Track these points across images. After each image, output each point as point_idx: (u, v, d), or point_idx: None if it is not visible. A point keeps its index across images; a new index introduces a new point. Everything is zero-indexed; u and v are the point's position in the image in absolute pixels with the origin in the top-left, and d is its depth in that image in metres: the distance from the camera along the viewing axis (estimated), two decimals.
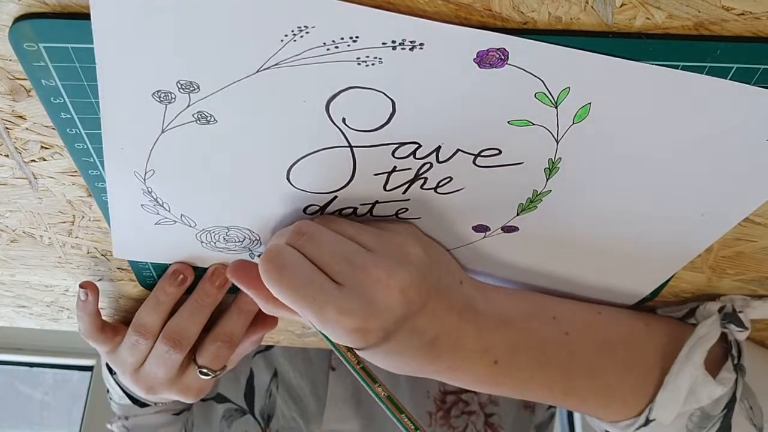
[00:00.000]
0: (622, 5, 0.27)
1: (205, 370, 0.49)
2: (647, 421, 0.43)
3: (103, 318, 0.49)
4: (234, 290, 0.49)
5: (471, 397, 0.64)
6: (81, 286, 0.46)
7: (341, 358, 0.38)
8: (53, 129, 0.34)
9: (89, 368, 1.47)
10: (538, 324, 0.42)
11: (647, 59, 0.29)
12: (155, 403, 0.59)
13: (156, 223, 0.41)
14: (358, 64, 0.29)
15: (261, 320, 0.51)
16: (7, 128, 0.34)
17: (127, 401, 0.58)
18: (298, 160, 0.35)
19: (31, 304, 0.53)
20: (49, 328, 0.57)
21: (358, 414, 0.61)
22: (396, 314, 0.36)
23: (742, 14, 0.27)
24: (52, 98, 0.32)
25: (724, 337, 0.44)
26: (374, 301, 0.35)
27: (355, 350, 0.38)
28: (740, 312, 0.44)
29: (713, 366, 0.43)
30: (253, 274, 0.39)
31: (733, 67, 0.29)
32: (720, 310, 0.44)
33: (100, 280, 0.49)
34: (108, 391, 0.61)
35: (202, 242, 0.43)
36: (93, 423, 1.38)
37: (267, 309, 0.41)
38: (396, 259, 0.37)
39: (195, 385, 0.51)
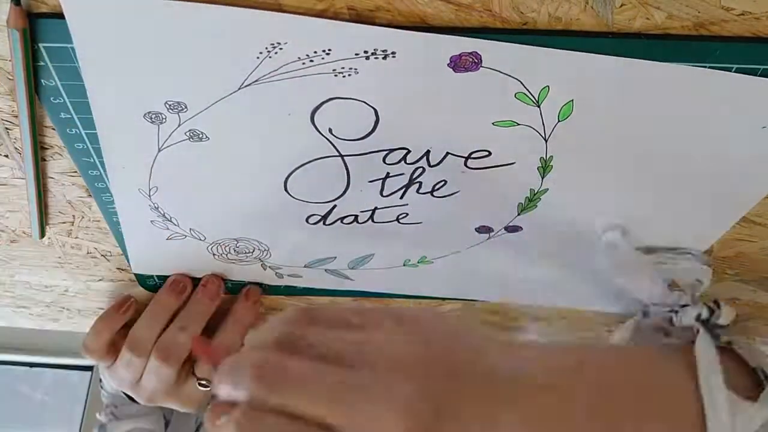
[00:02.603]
0: (621, 5, 0.27)
1: (204, 383, 0.49)
2: None
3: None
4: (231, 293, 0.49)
5: None
6: (126, 297, 0.48)
7: None
8: (53, 129, 0.34)
9: (89, 368, 1.46)
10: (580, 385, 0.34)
11: (647, 59, 0.29)
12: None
13: (168, 238, 0.42)
14: (335, 75, 0.29)
15: None
16: (7, 128, 0.34)
17: (122, 395, 0.58)
18: (293, 172, 0.35)
19: (31, 305, 0.53)
20: (49, 328, 0.57)
21: None
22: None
23: (742, 14, 0.27)
24: (52, 98, 0.32)
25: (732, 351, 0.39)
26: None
27: None
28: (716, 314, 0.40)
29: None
30: None
31: (732, 68, 0.29)
32: (697, 319, 0.40)
33: (100, 280, 0.49)
34: (100, 380, 0.61)
35: (213, 254, 0.44)
36: (93, 423, 1.38)
37: None
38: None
39: (195, 396, 0.51)
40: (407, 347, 0.30)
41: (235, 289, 0.49)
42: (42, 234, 0.41)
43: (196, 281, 0.48)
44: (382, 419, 0.28)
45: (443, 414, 0.30)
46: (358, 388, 0.28)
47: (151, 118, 0.32)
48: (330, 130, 0.33)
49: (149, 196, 0.37)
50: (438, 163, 0.35)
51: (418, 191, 0.37)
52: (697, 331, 0.40)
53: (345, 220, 0.40)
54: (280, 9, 0.27)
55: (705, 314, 0.41)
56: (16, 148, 0.36)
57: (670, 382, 0.39)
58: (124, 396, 0.59)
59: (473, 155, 0.34)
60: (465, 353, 0.33)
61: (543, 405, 0.33)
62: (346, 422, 0.27)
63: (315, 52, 0.28)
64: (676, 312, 0.41)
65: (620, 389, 0.37)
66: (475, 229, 0.40)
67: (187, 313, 0.47)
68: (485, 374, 0.32)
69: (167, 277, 0.47)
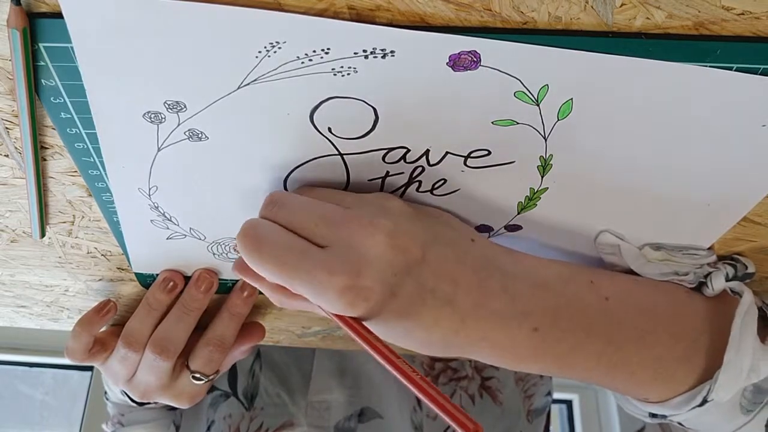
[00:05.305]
0: (622, 5, 0.27)
1: (198, 375, 0.50)
2: (704, 402, 0.38)
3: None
4: (223, 293, 0.49)
5: (460, 363, 0.64)
6: (106, 301, 0.48)
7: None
8: (53, 129, 0.34)
9: (89, 368, 1.47)
10: (576, 288, 0.38)
11: (647, 59, 0.29)
12: (155, 402, 0.59)
13: (168, 238, 0.42)
14: (334, 75, 0.29)
15: (249, 331, 0.52)
16: (7, 128, 0.34)
17: (127, 400, 0.58)
18: (293, 171, 0.35)
19: (31, 304, 0.53)
20: (49, 328, 0.57)
21: (343, 384, 0.61)
22: (389, 262, 0.32)
23: (742, 14, 0.27)
24: (52, 98, 0.32)
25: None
26: (362, 253, 0.32)
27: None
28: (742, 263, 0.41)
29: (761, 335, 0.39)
30: None
31: (733, 67, 0.29)
32: (726, 279, 0.41)
33: (99, 280, 0.49)
34: (105, 393, 0.61)
35: (214, 254, 0.44)
36: (93, 423, 1.38)
37: (277, 301, 0.37)
38: (376, 210, 0.33)
39: (188, 390, 0.51)
40: (400, 205, 0.35)
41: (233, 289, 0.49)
42: (42, 234, 0.41)
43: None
44: (366, 243, 0.32)
45: (431, 262, 0.34)
46: (349, 216, 0.33)
47: (150, 118, 0.32)
48: (329, 129, 0.33)
49: (149, 195, 0.37)
50: (437, 162, 0.35)
51: (417, 190, 0.37)
52: (732, 291, 0.41)
53: None
54: (279, 8, 0.27)
55: (731, 272, 0.41)
56: (16, 148, 0.36)
57: (696, 307, 0.41)
58: (131, 403, 0.59)
59: (473, 154, 0.34)
60: (455, 232, 0.36)
61: (539, 299, 0.36)
62: (334, 238, 0.33)
63: (314, 51, 0.28)
64: (705, 284, 0.41)
65: (626, 304, 0.39)
66: (475, 228, 0.40)
67: (180, 307, 0.47)
68: (478, 258, 0.36)
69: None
